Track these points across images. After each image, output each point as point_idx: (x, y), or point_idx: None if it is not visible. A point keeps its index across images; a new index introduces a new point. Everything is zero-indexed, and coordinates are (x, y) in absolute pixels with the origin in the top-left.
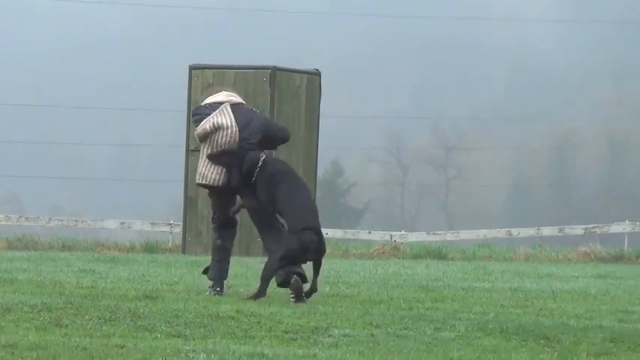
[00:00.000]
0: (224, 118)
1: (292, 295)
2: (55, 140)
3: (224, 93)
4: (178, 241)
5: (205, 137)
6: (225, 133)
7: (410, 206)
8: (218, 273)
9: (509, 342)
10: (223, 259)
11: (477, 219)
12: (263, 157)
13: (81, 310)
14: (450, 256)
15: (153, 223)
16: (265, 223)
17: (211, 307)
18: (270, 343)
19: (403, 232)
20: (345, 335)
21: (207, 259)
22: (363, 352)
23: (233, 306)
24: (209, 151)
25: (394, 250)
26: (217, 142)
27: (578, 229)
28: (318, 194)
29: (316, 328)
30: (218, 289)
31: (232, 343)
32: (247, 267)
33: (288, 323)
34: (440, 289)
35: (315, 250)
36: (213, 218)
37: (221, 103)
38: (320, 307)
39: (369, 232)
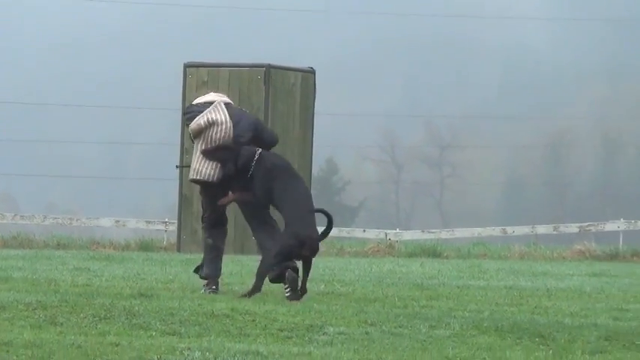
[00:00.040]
0: (218, 114)
1: (287, 289)
2: (49, 138)
3: (213, 94)
4: (173, 239)
5: (199, 133)
6: (219, 128)
7: (405, 204)
8: (211, 271)
9: (504, 340)
10: (216, 257)
11: (471, 217)
12: (259, 150)
13: (76, 308)
14: (445, 254)
15: (148, 222)
16: (258, 218)
17: (206, 305)
18: (265, 341)
19: (398, 230)
20: (339, 333)
21: (202, 257)
22: (358, 350)
23: (228, 304)
24: (203, 147)
25: (389, 249)
26: (212, 137)
27: (573, 227)
28: (313, 192)
29: (311, 326)
30: (213, 287)
31: (227, 341)
32: (242, 265)
33: (283, 321)
34: (435, 287)
35: (311, 246)
36: (203, 217)
37: (212, 103)
38: (315, 305)
39: (364, 231)
